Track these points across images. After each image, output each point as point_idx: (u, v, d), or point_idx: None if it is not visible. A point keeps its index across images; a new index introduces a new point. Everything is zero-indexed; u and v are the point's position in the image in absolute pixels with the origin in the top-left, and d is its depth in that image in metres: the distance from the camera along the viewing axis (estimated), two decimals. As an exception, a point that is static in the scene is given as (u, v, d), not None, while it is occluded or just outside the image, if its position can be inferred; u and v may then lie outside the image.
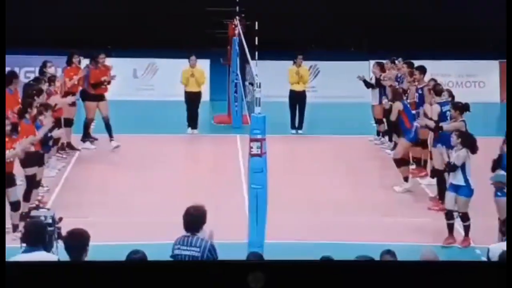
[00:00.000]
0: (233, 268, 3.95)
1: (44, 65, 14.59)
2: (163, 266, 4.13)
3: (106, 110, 15.14)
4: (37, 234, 6.62)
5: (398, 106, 13.11)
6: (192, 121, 16.76)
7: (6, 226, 10.79)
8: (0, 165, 10.14)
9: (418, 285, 3.97)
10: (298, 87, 16.95)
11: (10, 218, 10.96)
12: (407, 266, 4.29)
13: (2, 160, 10.25)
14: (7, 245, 10.22)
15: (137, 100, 19.15)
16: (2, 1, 10.75)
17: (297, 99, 16.93)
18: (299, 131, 16.95)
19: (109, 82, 15.34)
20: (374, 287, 3.89)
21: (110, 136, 15.13)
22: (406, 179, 13.25)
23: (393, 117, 13.16)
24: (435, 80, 13.76)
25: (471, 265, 4.32)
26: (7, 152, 10.56)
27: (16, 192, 11.00)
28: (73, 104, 14.49)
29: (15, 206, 11.00)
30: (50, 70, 14.52)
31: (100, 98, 15.17)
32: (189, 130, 16.76)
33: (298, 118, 16.96)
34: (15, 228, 10.94)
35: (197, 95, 16.77)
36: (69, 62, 15.09)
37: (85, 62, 16.63)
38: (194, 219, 7.16)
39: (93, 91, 15.09)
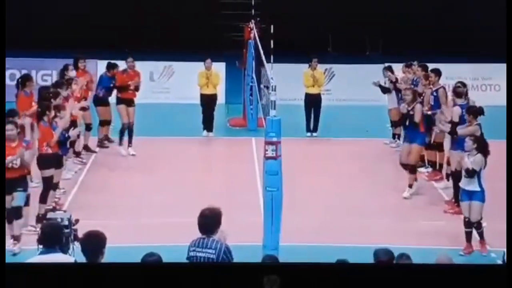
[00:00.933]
0: (248, 270, 3.98)
1: (65, 68, 14.68)
2: (178, 268, 4.16)
3: (132, 116, 15.20)
4: (54, 235, 6.65)
5: (420, 108, 13.05)
6: (208, 124, 16.79)
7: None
8: (0, 165, 10.13)
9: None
10: (313, 90, 16.98)
11: (11, 229, 10.51)
12: (423, 269, 4.30)
13: (2, 160, 10.25)
14: (26, 247, 10.37)
15: (153, 103, 19.22)
16: (2, 1, 10.78)
17: (312, 102, 16.95)
18: (314, 134, 16.97)
19: (136, 88, 15.31)
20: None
21: (129, 142, 15.18)
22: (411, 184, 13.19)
23: (417, 118, 12.96)
24: (462, 83, 13.53)
25: (486, 268, 4.32)
26: (9, 157, 10.38)
27: (19, 198, 10.55)
28: (84, 108, 14.36)
29: (16, 212, 10.49)
30: (72, 73, 14.57)
31: (128, 103, 15.19)
32: (205, 132, 16.80)
33: (313, 121, 16.98)
34: (16, 238, 10.50)
35: (213, 97, 16.83)
36: (75, 67, 15.02)
37: (101, 65, 16.78)
38: (209, 221, 7.18)
39: (119, 94, 15.20)
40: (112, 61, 15.75)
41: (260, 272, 3.74)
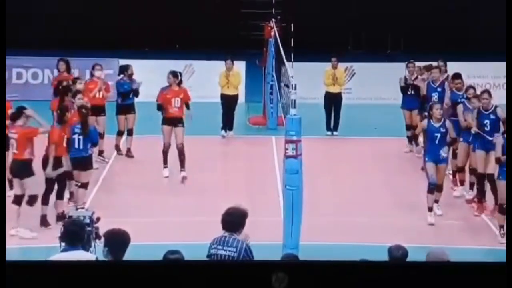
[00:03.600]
0: (256, 268, 3.99)
1: (93, 67, 14.60)
2: (187, 266, 4.17)
3: (180, 137, 13.74)
4: (76, 233, 6.69)
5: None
6: (228, 124, 16.72)
7: None
8: (0, 165, 10.19)
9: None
10: (333, 89, 16.87)
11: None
12: (423, 267, 4.28)
13: (2, 161, 10.31)
14: (47, 244, 10.47)
15: (174, 101, 19.25)
16: (2, 1, 10.86)
17: (332, 101, 16.87)
18: (335, 133, 16.90)
19: (186, 105, 13.84)
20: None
21: (181, 166, 13.72)
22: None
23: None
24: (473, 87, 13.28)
25: (486, 266, 4.26)
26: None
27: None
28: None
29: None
30: (97, 73, 14.47)
31: (174, 122, 13.74)
32: (223, 131, 16.57)
33: (333, 119, 16.88)
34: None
35: (233, 98, 16.71)
36: (90, 75, 14.78)
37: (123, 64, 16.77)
38: (233, 219, 7.22)
39: (163, 114, 13.81)
40: (124, 64, 15.39)
41: (268, 270, 3.75)
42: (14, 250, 10.34)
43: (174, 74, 14.17)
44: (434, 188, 11.91)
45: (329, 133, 16.87)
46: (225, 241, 7.13)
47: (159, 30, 23.78)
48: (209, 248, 7.23)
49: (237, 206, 7.34)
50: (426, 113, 12.38)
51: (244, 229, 7.22)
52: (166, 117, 13.78)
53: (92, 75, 14.57)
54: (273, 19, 17.98)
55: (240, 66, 18.52)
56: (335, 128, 16.89)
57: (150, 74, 19.89)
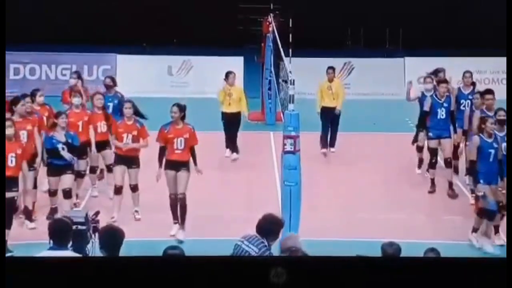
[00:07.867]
0: (255, 263, 3.98)
1: (33, 93, 12.18)
2: (187, 262, 4.15)
3: (182, 185, 11.18)
4: (61, 233, 6.49)
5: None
6: (231, 144, 14.94)
7: None
8: (0, 166, 10.10)
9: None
10: (330, 103, 15.03)
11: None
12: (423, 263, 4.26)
13: (2, 160, 10.22)
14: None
15: (171, 97, 19.20)
16: (2, 1, 10.81)
17: (329, 116, 14.98)
18: (332, 150, 15.02)
19: (191, 148, 11.27)
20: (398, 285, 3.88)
21: (181, 220, 11.14)
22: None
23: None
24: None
25: (485, 262, 4.24)
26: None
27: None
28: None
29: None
30: (40, 99, 12.16)
31: (176, 166, 11.22)
32: (228, 152, 14.93)
33: (330, 135, 15.07)
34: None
35: (237, 116, 14.86)
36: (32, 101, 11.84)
37: (121, 59, 16.69)
38: (263, 224, 7.30)
39: (166, 156, 11.30)
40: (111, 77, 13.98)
41: (267, 265, 3.75)
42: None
43: (180, 107, 11.45)
44: (496, 213, 10.77)
45: (324, 150, 14.97)
46: (253, 240, 7.26)
47: (157, 26, 23.74)
48: (240, 239, 7.36)
49: (275, 214, 7.47)
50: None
51: (277, 239, 7.31)
52: (167, 161, 11.18)
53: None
54: (271, 14, 17.94)
55: (238, 62, 18.47)
56: (332, 144, 15.10)
57: (148, 69, 19.94)
